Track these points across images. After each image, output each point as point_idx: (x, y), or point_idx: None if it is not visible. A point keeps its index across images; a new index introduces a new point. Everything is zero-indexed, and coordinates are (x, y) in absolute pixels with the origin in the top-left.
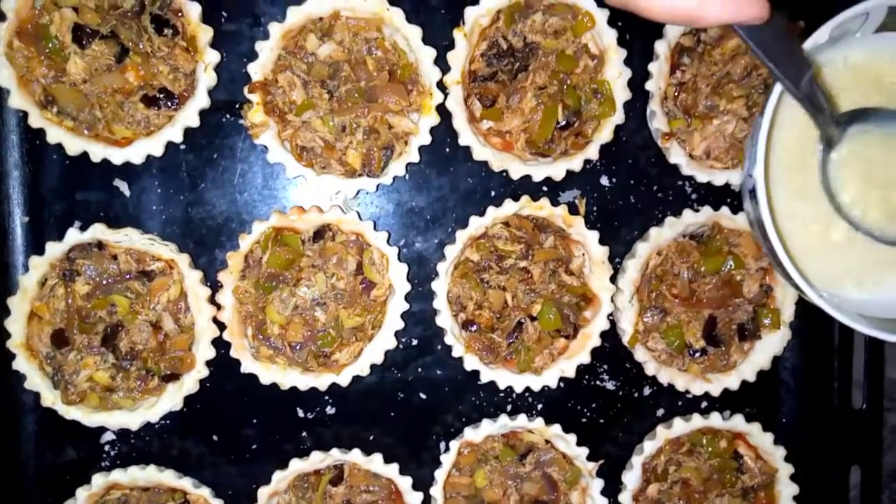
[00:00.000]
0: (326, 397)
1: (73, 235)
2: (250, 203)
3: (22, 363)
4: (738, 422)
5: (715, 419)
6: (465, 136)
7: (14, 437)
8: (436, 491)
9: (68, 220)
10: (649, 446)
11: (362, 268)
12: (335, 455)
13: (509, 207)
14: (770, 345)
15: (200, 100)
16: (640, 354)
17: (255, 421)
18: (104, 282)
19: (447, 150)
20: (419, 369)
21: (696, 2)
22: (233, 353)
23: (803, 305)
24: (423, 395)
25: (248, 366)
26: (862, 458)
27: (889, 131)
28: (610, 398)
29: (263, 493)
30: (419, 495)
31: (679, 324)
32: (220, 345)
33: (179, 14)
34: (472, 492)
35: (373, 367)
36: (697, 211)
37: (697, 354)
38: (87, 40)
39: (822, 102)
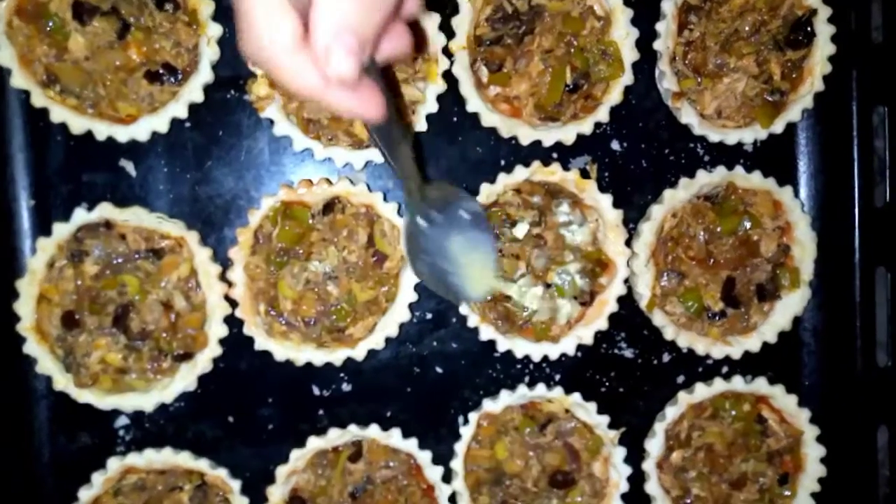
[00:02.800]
0: (342, 374)
1: (81, 215)
2: (258, 179)
3: (32, 346)
4: (760, 384)
5: (737, 383)
6: (473, 103)
7: (27, 424)
8: (456, 464)
9: (74, 202)
10: (671, 412)
11: (373, 240)
12: (353, 431)
13: (520, 174)
14: (790, 305)
15: (204, 74)
16: (658, 319)
17: (270, 400)
18: (113, 261)
19: (455, 118)
20: (434, 343)
21: (323, 90)
22: (246, 331)
23: (822, 264)
24: (439, 369)
25: (261, 343)
26: (889, 417)
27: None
28: (629, 366)
29: (282, 472)
30: (439, 469)
31: (697, 286)
32: (233, 323)
33: None
34: (493, 464)
35: (387, 341)
36: (711, 171)
37: (717, 317)
38: (88, 17)
39: (416, 199)
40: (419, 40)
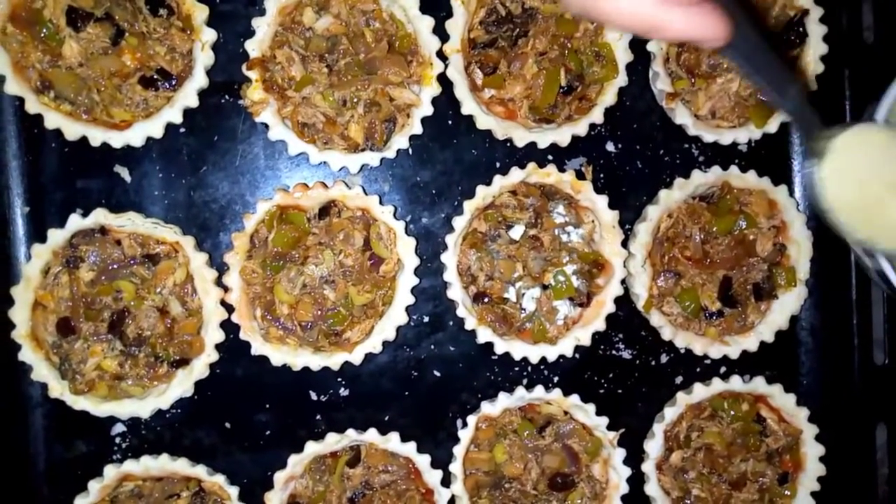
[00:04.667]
0: (339, 379)
1: (76, 221)
2: (253, 183)
3: (28, 354)
4: (758, 384)
5: (735, 382)
6: (468, 105)
7: (23, 432)
8: (455, 468)
9: (69, 208)
10: (670, 413)
11: (370, 243)
12: (351, 436)
13: (516, 175)
14: (787, 303)
15: (198, 79)
16: (655, 319)
17: (267, 406)
18: (109, 267)
19: (450, 121)
20: (432, 346)
21: (658, 13)
22: (242, 336)
23: (819, 263)
24: (436, 373)
25: (258, 347)
26: (887, 415)
27: (868, 137)
28: (627, 368)
29: (280, 477)
30: (438, 473)
31: (693, 286)
32: (229, 328)
33: None
34: (492, 467)
35: (385, 345)
36: (706, 171)
37: (714, 317)
38: (82, 23)
39: (809, 116)
40: None
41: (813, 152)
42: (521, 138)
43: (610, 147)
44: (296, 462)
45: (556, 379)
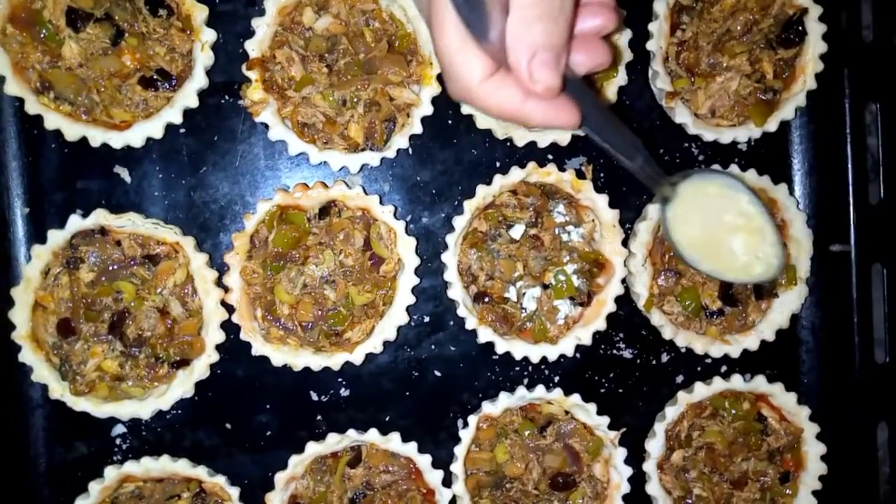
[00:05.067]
0: (340, 379)
1: (76, 222)
2: (253, 184)
3: (28, 355)
4: (759, 383)
5: (736, 381)
6: (468, 105)
7: (23, 433)
8: (456, 468)
9: (69, 209)
10: (671, 412)
11: (370, 243)
12: (352, 436)
13: (516, 175)
14: (788, 302)
15: (198, 80)
16: (656, 318)
17: (268, 407)
18: (109, 268)
19: (450, 121)
20: (432, 346)
21: (523, 107)
22: (243, 336)
23: (819, 261)
24: (437, 373)
25: (258, 348)
26: (888, 413)
27: (707, 185)
28: (628, 367)
29: (281, 478)
30: (439, 473)
31: (694, 285)
32: (230, 329)
33: None
34: (493, 467)
35: (385, 345)
36: None
37: (714, 316)
38: (82, 24)
39: (653, 172)
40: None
41: (660, 198)
42: (521, 138)
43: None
44: (297, 463)
45: (556, 378)
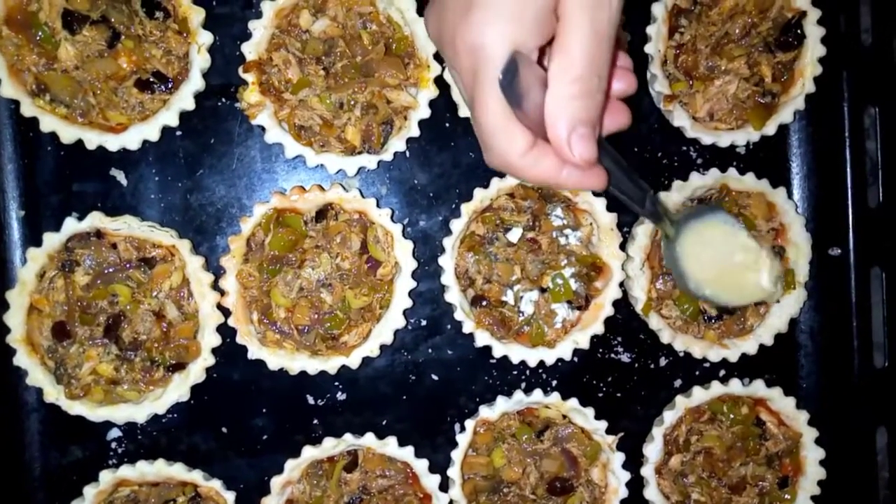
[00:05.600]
0: (336, 383)
1: (71, 225)
2: (250, 187)
3: (23, 358)
4: (758, 387)
5: (735, 386)
6: (466, 108)
7: (18, 438)
8: (453, 472)
9: (65, 212)
10: (669, 417)
11: (367, 246)
12: (348, 440)
13: (513, 178)
14: (786, 306)
15: (195, 82)
16: (654, 322)
17: (264, 411)
18: (104, 271)
19: (447, 124)
20: (429, 350)
21: (560, 176)
22: (239, 340)
23: (818, 265)
24: (434, 377)
25: (255, 351)
26: (887, 418)
27: (709, 224)
28: (626, 371)
29: (276, 482)
30: (436, 477)
31: None
32: (226, 332)
33: None
34: (491, 471)
35: (382, 349)
36: (704, 174)
37: (713, 320)
38: (78, 26)
39: (661, 213)
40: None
41: (664, 237)
42: None
43: None
44: (293, 467)
45: (554, 382)
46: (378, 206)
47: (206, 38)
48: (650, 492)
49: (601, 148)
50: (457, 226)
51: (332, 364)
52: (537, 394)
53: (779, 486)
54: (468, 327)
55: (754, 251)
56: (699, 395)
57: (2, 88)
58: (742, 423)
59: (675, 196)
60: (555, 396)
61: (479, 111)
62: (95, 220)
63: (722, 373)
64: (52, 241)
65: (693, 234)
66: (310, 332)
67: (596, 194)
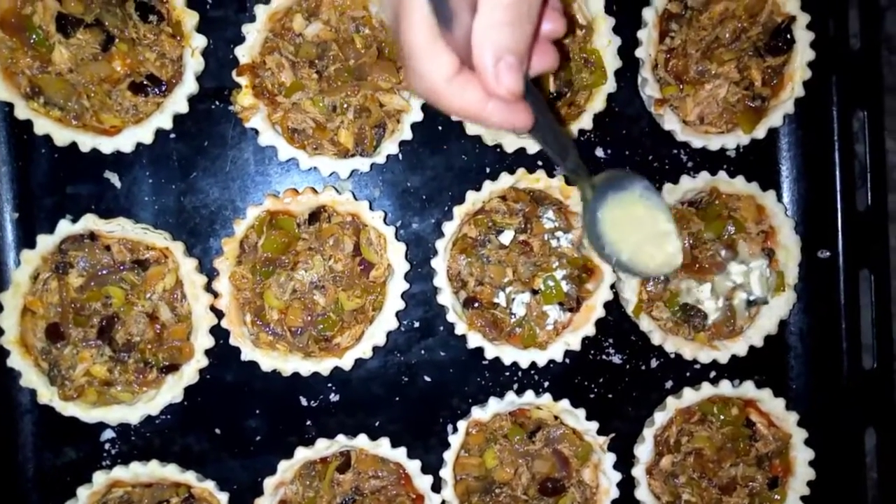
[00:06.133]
0: (329, 384)
1: (65, 227)
2: (243, 189)
3: (16, 360)
4: (748, 388)
5: (725, 387)
6: None
7: (11, 439)
8: (446, 473)
9: (59, 214)
10: (660, 417)
11: (360, 248)
12: (341, 441)
13: (506, 181)
14: (776, 308)
15: (188, 85)
16: (645, 324)
17: (257, 411)
18: (98, 273)
19: (440, 127)
20: (422, 352)
21: (482, 108)
22: (232, 341)
23: (807, 267)
24: (427, 378)
25: (248, 353)
26: (876, 419)
27: (630, 191)
28: (617, 372)
29: (269, 483)
30: (429, 478)
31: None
32: (219, 334)
33: (164, 0)
34: (483, 472)
35: (375, 351)
36: (694, 177)
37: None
38: (72, 29)
39: (581, 172)
40: (562, 55)
41: (586, 197)
42: (510, 144)
43: (599, 153)
44: (286, 468)
45: (546, 384)
46: (371, 208)
47: (199, 41)
48: (641, 492)
49: (528, 87)
50: (449, 228)
51: (324, 365)
52: (529, 395)
53: (769, 487)
54: (460, 329)
55: (669, 222)
56: (690, 396)
57: None
58: (732, 424)
59: (666, 199)
60: (546, 397)
61: (404, 28)
62: (89, 222)
63: (712, 374)
64: (46, 243)
65: (613, 200)
66: (303, 334)
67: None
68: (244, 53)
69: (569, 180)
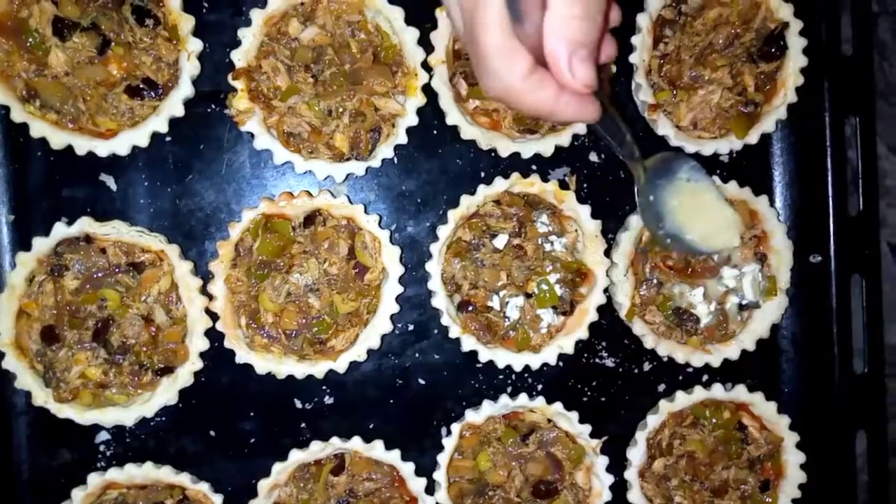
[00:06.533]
0: (324, 387)
1: (61, 229)
2: (239, 192)
3: (11, 362)
4: (740, 392)
5: (717, 390)
6: (453, 116)
7: (6, 441)
8: (439, 475)
9: (55, 217)
10: (652, 420)
11: (354, 252)
12: (335, 444)
13: (500, 185)
14: (768, 312)
15: (184, 89)
16: (638, 328)
17: (252, 414)
18: (93, 276)
19: (435, 131)
20: (416, 355)
21: (557, 104)
22: (227, 344)
23: (799, 272)
24: (421, 381)
25: (242, 356)
26: (867, 422)
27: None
28: (610, 375)
29: (264, 485)
30: (422, 481)
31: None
32: (214, 336)
33: (160, 4)
34: (476, 475)
35: (370, 353)
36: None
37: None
38: (68, 33)
39: (638, 156)
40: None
41: (640, 179)
42: (505, 148)
43: (593, 157)
44: (280, 470)
45: (539, 387)
46: (366, 212)
47: (195, 45)
48: (633, 495)
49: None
50: (444, 232)
51: (319, 368)
52: (523, 398)
53: (760, 490)
54: (454, 332)
55: (723, 202)
56: (682, 399)
57: None
58: (724, 427)
59: None
60: (540, 400)
61: (479, 31)
62: (85, 224)
63: (705, 378)
64: (42, 245)
65: (668, 181)
66: (297, 337)
67: (582, 203)
68: (240, 57)
69: (624, 163)
